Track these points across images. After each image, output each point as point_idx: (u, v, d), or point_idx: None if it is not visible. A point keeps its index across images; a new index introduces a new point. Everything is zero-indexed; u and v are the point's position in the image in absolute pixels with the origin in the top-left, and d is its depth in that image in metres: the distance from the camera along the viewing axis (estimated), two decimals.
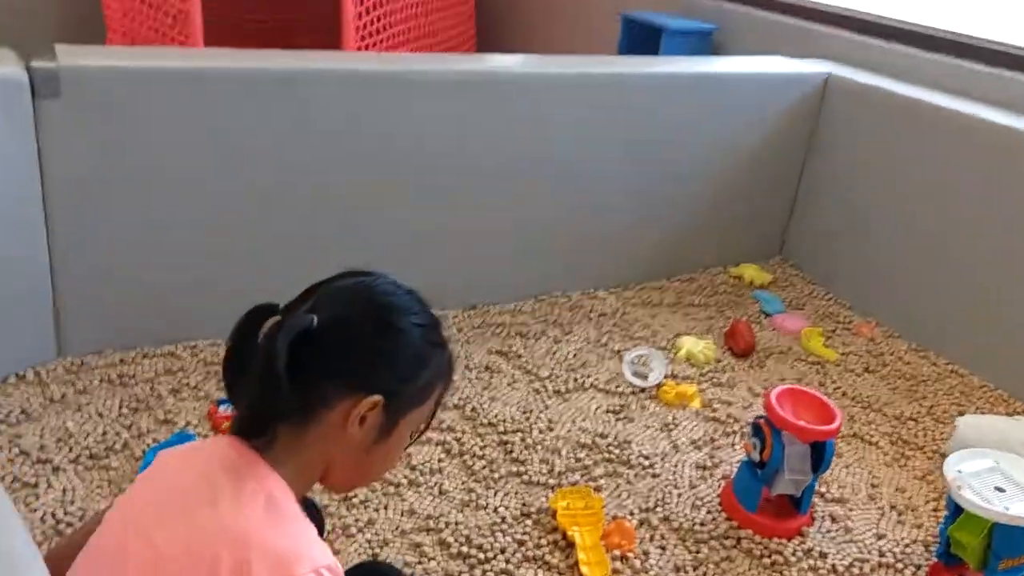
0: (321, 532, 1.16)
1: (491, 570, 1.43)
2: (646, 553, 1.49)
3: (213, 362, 1.89)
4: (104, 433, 1.64)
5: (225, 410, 1.72)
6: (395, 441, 0.91)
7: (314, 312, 0.85)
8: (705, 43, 3.03)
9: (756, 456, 1.55)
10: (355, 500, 1.55)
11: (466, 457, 1.69)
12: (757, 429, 1.56)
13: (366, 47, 2.92)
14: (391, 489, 1.59)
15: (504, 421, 1.81)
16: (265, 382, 0.82)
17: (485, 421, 1.80)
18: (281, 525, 0.80)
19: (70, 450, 1.59)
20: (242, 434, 0.86)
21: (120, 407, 1.71)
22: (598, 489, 1.63)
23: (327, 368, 0.85)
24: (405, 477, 1.61)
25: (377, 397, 0.86)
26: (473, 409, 1.83)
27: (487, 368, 1.99)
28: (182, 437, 1.64)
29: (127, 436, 1.63)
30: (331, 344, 0.85)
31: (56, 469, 1.54)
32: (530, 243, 2.26)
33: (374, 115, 1.96)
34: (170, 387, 1.79)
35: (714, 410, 1.93)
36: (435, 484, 1.61)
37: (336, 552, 1.42)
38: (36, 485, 1.50)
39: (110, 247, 1.80)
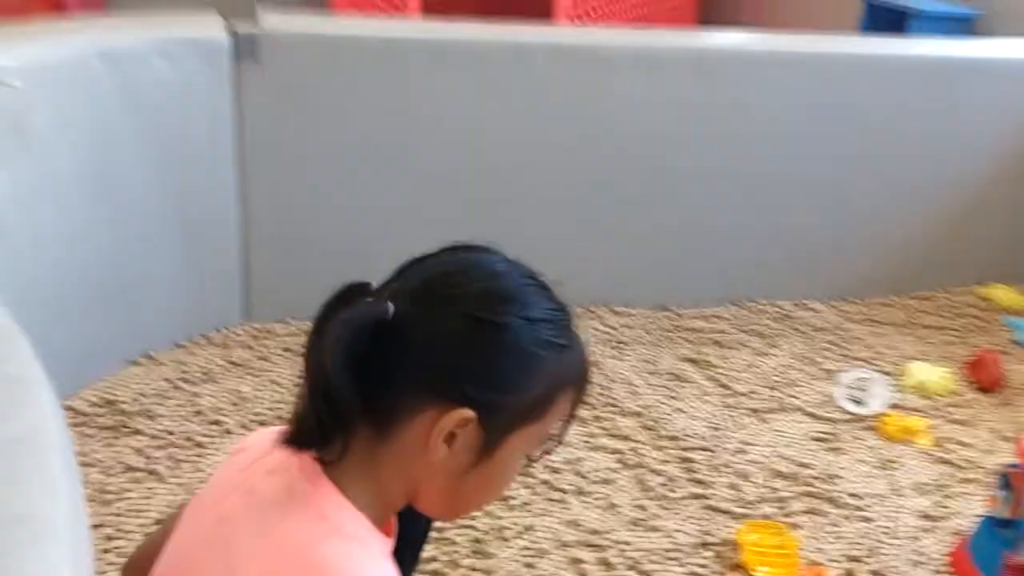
0: (418, 548, 0.99)
1: None
2: None
3: None
4: (278, 401, 1.62)
5: None
6: (499, 465, 0.70)
7: (396, 298, 0.67)
8: (962, 32, 2.63)
9: (1003, 513, 1.25)
10: (515, 503, 1.41)
11: (642, 471, 1.51)
12: (1006, 481, 1.26)
13: (579, 16, 2.84)
14: (556, 495, 1.44)
15: (689, 436, 1.60)
16: (318, 382, 0.65)
17: (667, 433, 1.61)
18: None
19: (243, 415, 1.58)
20: (297, 443, 0.69)
21: (297, 377, 1.69)
22: (795, 527, 1.39)
23: (404, 371, 0.66)
24: (572, 484, 1.46)
25: (467, 411, 0.66)
26: (655, 419, 1.65)
27: (675, 376, 1.79)
28: None
29: None
30: (410, 340, 0.67)
31: (227, 432, 1.53)
32: (733, 243, 2.03)
33: (576, 92, 1.84)
34: None
35: (947, 451, 1.61)
36: (604, 496, 1.44)
37: (488, 557, 1.30)
38: (205, 446, 1.49)
39: (303, 215, 1.79)
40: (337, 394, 0.64)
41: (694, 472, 1.51)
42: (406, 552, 1.01)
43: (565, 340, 0.71)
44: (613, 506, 1.42)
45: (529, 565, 1.30)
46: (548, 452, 0.75)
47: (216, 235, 1.74)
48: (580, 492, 1.45)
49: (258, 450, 0.75)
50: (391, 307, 0.66)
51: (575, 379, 0.72)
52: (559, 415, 0.71)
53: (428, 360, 0.66)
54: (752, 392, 1.75)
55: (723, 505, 1.43)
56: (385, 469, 0.68)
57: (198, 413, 1.57)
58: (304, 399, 0.67)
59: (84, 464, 1.40)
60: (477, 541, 1.33)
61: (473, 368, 0.66)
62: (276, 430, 0.75)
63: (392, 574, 0.67)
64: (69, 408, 1.55)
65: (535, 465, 1.49)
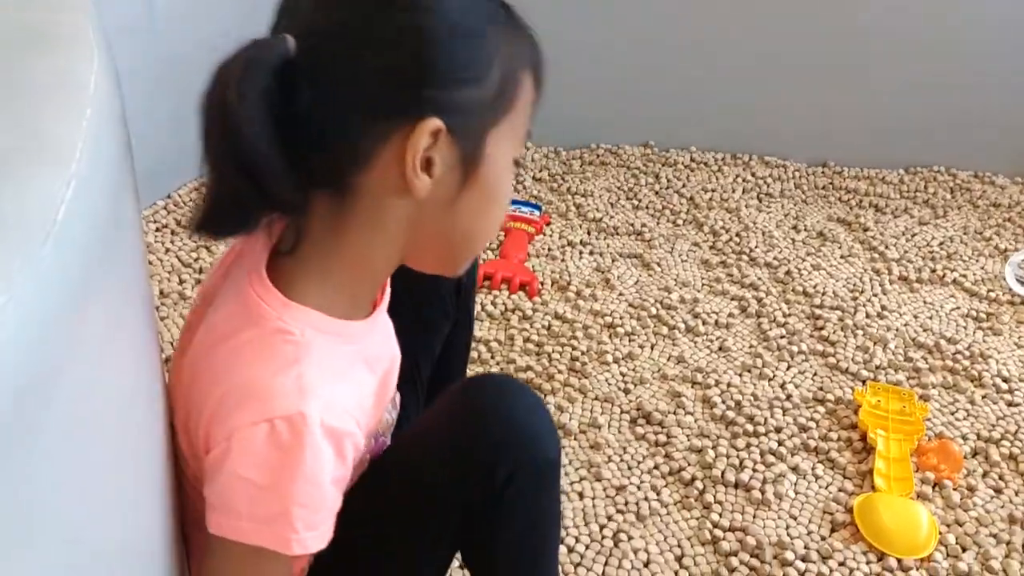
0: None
1: (757, 446, 1.16)
2: (971, 489, 1.11)
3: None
4: None
5: (514, 210, 1.60)
6: (490, 179, 0.59)
7: (292, 31, 0.55)
8: None
9: None
10: (620, 330, 1.35)
11: (763, 320, 1.40)
12: None
13: None
14: (664, 330, 1.36)
15: (823, 294, 1.47)
16: (243, 162, 0.53)
17: (799, 288, 1.48)
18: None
19: None
20: (211, 229, 0.58)
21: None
22: (925, 399, 1.26)
23: (342, 106, 0.55)
24: (683, 323, 1.38)
25: (434, 120, 0.55)
26: (788, 272, 1.52)
27: (820, 234, 1.64)
28: None
29: None
30: (327, 69, 0.55)
31: None
32: (908, 101, 1.79)
33: None
34: None
35: None
36: (717, 339, 1.35)
37: (585, 376, 1.25)
38: None
39: None
40: (276, 173, 0.53)
41: (821, 330, 1.39)
42: (459, 335, 0.96)
43: (506, 18, 0.60)
44: (724, 349, 1.33)
45: (625, 390, 1.24)
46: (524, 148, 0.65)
47: None
48: (691, 331, 1.37)
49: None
50: (290, 40, 0.54)
51: (530, 59, 0.61)
52: (526, 103, 0.60)
53: (371, 84, 0.55)
54: (906, 260, 1.57)
55: (848, 366, 1.31)
56: (356, 238, 0.59)
57: None
58: (215, 180, 0.56)
59: None
60: (575, 359, 1.29)
61: (423, 71, 0.55)
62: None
63: (310, 382, 0.56)
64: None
65: (646, 300, 1.42)
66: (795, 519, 1.07)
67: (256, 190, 0.54)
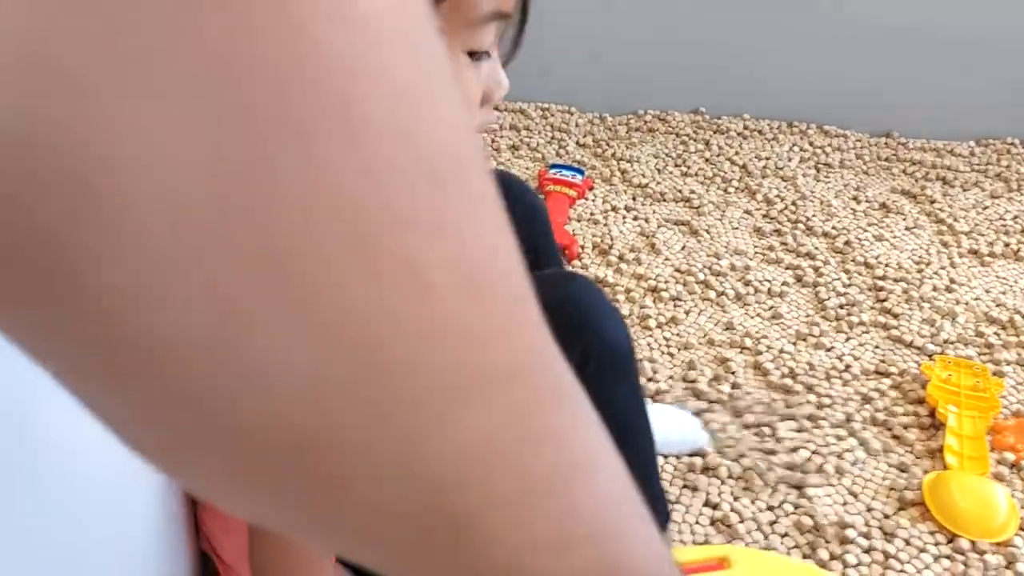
0: None
1: (815, 417, 1.06)
2: None
3: (560, 127, 1.70)
4: None
5: (555, 174, 1.52)
6: None
7: None
8: None
9: None
10: (664, 295, 1.26)
11: (821, 289, 1.30)
12: None
13: None
14: (712, 295, 1.27)
15: (886, 265, 1.36)
16: None
17: (860, 259, 1.37)
18: None
19: None
20: None
21: None
22: (999, 375, 1.15)
23: None
24: (733, 289, 1.28)
25: None
26: (847, 243, 1.41)
27: (883, 206, 1.53)
28: None
29: None
30: None
31: None
32: (981, 66, 1.67)
33: None
34: (511, 142, 1.64)
35: None
36: (770, 307, 1.26)
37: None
38: None
39: None
40: None
41: (884, 301, 1.28)
42: None
43: None
44: (778, 317, 1.24)
45: (669, 354, 1.16)
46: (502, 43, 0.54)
47: None
48: (740, 299, 1.27)
49: None
50: None
51: None
52: None
53: None
54: (976, 233, 1.46)
55: (913, 339, 1.20)
56: None
57: None
58: None
59: None
60: None
61: None
62: None
63: None
64: None
65: (694, 266, 1.33)
66: (855, 496, 0.97)
67: None
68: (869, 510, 0.95)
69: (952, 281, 1.33)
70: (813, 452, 1.01)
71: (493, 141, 1.64)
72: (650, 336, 1.19)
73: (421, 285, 0.13)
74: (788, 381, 1.10)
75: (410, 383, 0.13)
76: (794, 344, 1.18)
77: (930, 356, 1.17)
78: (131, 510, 0.50)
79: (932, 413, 1.07)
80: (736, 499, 0.95)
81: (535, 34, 0.55)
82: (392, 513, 0.14)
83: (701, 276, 1.31)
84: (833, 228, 1.45)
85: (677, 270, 1.32)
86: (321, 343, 0.12)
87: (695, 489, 0.95)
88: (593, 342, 0.65)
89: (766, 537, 0.91)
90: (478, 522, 0.15)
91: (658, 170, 1.59)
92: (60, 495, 0.36)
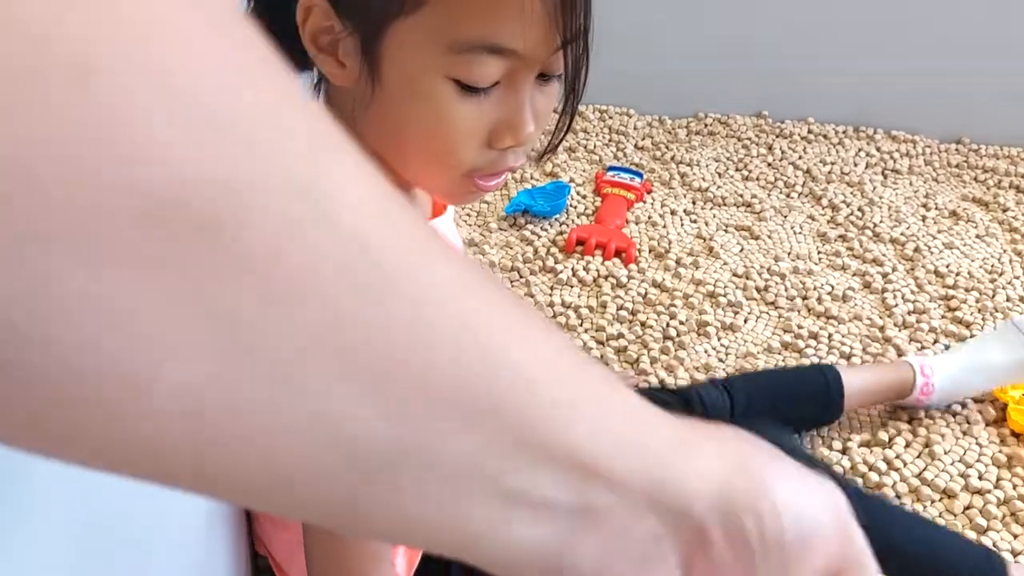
0: None
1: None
2: None
3: (619, 130, 1.68)
4: None
5: (613, 176, 1.50)
6: (399, 78, 0.48)
7: None
8: None
9: None
10: (723, 300, 1.23)
11: (888, 295, 1.26)
12: None
13: None
14: (769, 296, 1.24)
15: (956, 274, 1.31)
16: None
17: (930, 267, 1.33)
18: None
19: None
20: None
21: None
22: None
23: None
24: (796, 294, 1.25)
25: None
26: (916, 249, 1.36)
27: (952, 213, 1.47)
28: (558, 187, 1.46)
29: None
30: None
31: None
32: None
33: None
34: (567, 144, 1.63)
35: None
36: (834, 314, 1.22)
37: (683, 347, 1.14)
38: None
39: None
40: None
41: (956, 310, 1.23)
42: None
43: None
44: (841, 323, 1.20)
45: (722, 360, 1.13)
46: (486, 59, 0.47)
47: None
48: (804, 304, 1.24)
49: None
50: None
51: None
52: (456, 4, 0.45)
53: None
54: None
55: None
56: (344, 124, 0.49)
57: None
58: None
59: None
60: (670, 328, 1.17)
61: None
62: None
63: None
64: None
65: (752, 270, 1.29)
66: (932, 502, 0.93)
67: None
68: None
69: None
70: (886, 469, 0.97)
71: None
72: (708, 343, 1.16)
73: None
74: None
75: None
76: (862, 342, 1.15)
77: None
78: (181, 509, 0.50)
79: (1015, 434, 1.02)
80: None
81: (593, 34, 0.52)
82: None
83: (761, 282, 1.27)
84: (901, 235, 1.40)
85: (735, 275, 1.29)
86: None
87: None
88: None
89: None
90: None
91: (718, 174, 1.56)
92: (107, 494, 0.35)
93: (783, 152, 1.62)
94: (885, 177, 1.57)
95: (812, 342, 1.15)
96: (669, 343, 1.15)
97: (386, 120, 0.49)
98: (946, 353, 1.06)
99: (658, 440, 0.21)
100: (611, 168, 1.53)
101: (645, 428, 0.21)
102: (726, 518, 0.21)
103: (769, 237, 1.39)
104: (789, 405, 0.95)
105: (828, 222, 1.44)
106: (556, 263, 1.30)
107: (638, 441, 0.20)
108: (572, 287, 1.26)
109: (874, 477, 0.96)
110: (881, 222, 1.43)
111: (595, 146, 1.63)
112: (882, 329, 1.18)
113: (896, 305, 1.23)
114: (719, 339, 1.17)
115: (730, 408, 0.92)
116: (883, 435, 1.01)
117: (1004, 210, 1.48)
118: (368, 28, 0.47)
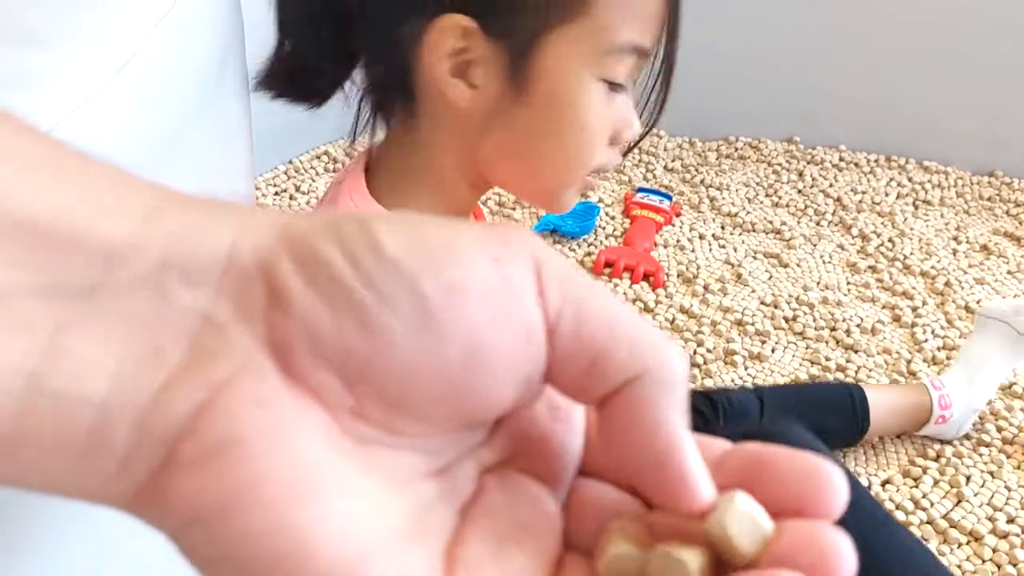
0: None
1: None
2: None
3: (648, 151, 1.68)
4: None
5: (642, 198, 1.50)
6: (554, 90, 0.48)
7: None
8: None
9: None
10: (750, 328, 1.23)
11: (918, 331, 1.25)
12: None
13: None
14: (798, 327, 1.23)
15: None
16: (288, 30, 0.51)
17: (960, 302, 1.32)
18: None
19: None
20: (271, 87, 0.54)
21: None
22: None
23: (375, 7, 0.49)
24: (824, 325, 1.24)
25: (454, 17, 0.46)
26: (947, 283, 1.35)
27: (983, 248, 1.46)
28: (587, 208, 1.46)
29: None
30: None
31: None
32: None
33: None
34: None
35: None
36: (862, 347, 1.21)
37: (710, 375, 1.14)
38: None
39: None
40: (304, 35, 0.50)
41: None
42: None
43: None
44: (870, 356, 1.19)
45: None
46: (644, 64, 0.51)
47: None
48: (832, 335, 1.23)
49: None
50: None
51: None
52: (610, 13, 0.47)
53: None
54: None
55: (1020, 391, 1.14)
56: (425, 146, 0.52)
57: None
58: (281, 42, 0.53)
59: None
60: (698, 355, 1.17)
61: None
62: None
63: None
64: (325, 154, 1.58)
65: (781, 299, 1.29)
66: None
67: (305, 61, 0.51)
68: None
69: None
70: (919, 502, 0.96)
71: None
72: (735, 371, 1.15)
73: None
74: None
75: None
76: (891, 376, 1.14)
77: None
78: None
79: None
80: None
81: None
82: None
83: (789, 311, 1.27)
84: (932, 268, 1.39)
85: (763, 303, 1.29)
86: None
87: None
88: None
89: None
90: None
91: (748, 199, 1.55)
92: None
93: (814, 179, 1.61)
94: (916, 208, 1.56)
95: (839, 375, 1.15)
96: (696, 371, 1.15)
97: (515, 134, 0.50)
98: (947, 374, 1.06)
99: (161, 198, 0.17)
100: (640, 190, 1.53)
101: (146, 190, 0.17)
102: (294, 251, 0.17)
103: (798, 265, 1.38)
104: (816, 414, 0.96)
105: (858, 252, 1.43)
106: None
107: (134, 203, 0.17)
108: None
109: (900, 516, 0.96)
110: (912, 254, 1.42)
111: (625, 167, 1.63)
112: (909, 363, 1.18)
113: (926, 340, 1.22)
114: (746, 368, 1.16)
115: (759, 410, 0.92)
116: (914, 470, 1.01)
117: None
118: (519, 45, 0.47)
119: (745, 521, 0.17)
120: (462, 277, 0.17)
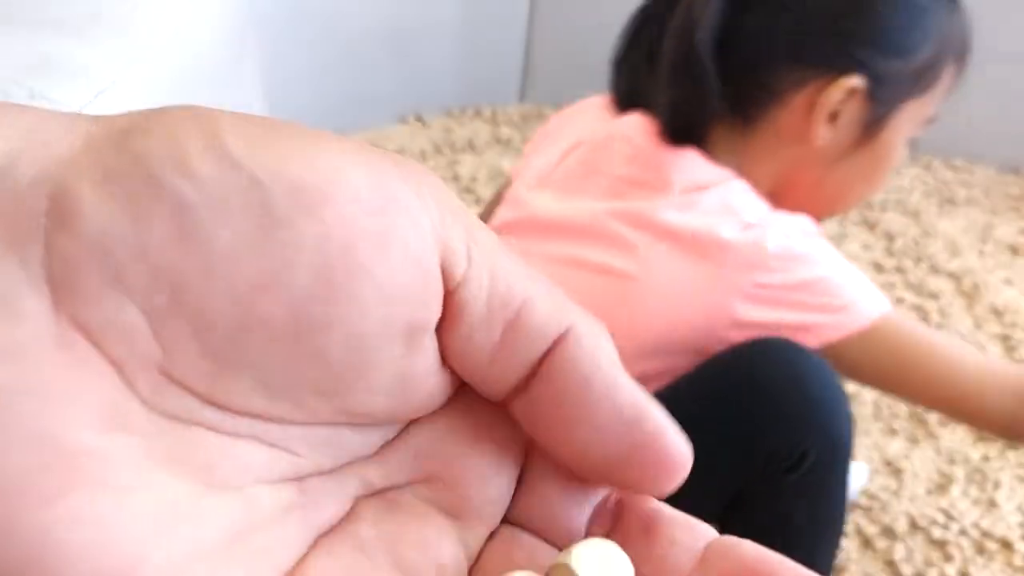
0: None
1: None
2: None
3: None
4: None
5: None
6: (883, 148, 0.62)
7: None
8: None
9: None
10: None
11: (945, 331, 1.21)
12: None
13: None
14: None
15: (1017, 312, 1.26)
16: (681, 72, 0.57)
17: (987, 303, 1.28)
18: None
19: (496, 187, 1.49)
20: (673, 134, 0.62)
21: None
22: None
23: (778, 42, 0.57)
24: None
25: (856, 80, 0.57)
26: (975, 286, 1.32)
27: (1011, 248, 1.43)
28: None
29: None
30: (786, 4, 0.58)
31: (477, 200, 1.45)
32: None
33: None
34: None
35: None
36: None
37: None
38: None
39: (591, 6, 1.63)
40: (710, 85, 0.57)
41: (1015, 352, 1.19)
42: None
43: (950, 1, 0.63)
44: None
45: None
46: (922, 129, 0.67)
47: (503, 18, 1.64)
48: None
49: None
50: None
51: (959, 47, 0.65)
52: (941, 90, 0.64)
53: (811, 24, 0.58)
54: None
55: None
56: (748, 166, 0.60)
57: (454, 178, 1.51)
58: (669, 88, 0.60)
59: None
60: None
61: (862, 27, 0.58)
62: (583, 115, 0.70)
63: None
64: None
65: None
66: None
67: (692, 107, 0.58)
68: None
69: None
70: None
71: None
72: None
73: None
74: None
75: None
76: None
77: None
78: None
79: None
80: None
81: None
82: None
83: None
84: (958, 268, 1.35)
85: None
86: None
87: None
88: (818, 436, 0.56)
89: None
90: None
91: None
92: None
93: None
94: (941, 207, 1.53)
95: None
96: None
97: (841, 172, 0.61)
98: None
99: None
100: None
101: None
102: (99, 156, 0.12)
103: None
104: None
105: (884, 251, 1.39)
106: None
107: None
108: None
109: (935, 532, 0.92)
110: (937, 254, 1.39)
111: None
112: None
113: None
114: None
115: None
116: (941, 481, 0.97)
117: None
118: (886, 108, 0.60)
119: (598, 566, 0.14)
120: (325, 181, 0.12)
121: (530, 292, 0.14)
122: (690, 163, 0.59)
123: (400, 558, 0.14)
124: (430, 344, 0.14)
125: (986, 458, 1.00)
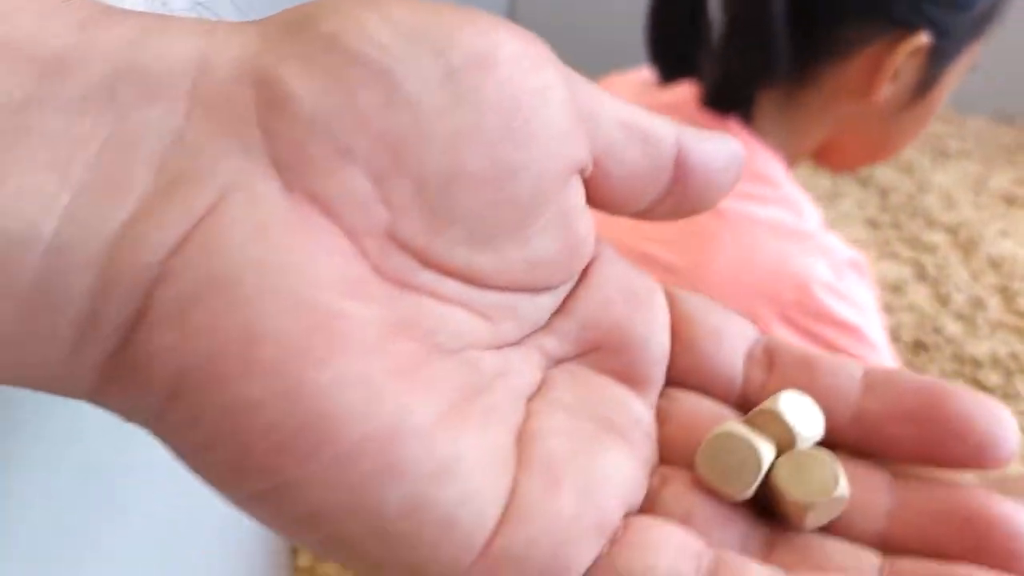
0: None
1: None
2: None
3: None
4: None
5: None
6: (935, 100, 0.62)
7: None
8: None
9: None
10: None
11: (943, 287, 1.21)
12: None
13: None
14: None
15: (1015, 263, 1.26)
16: (750, 33, 0.55)
17: (984, 255, 1.28)
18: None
19: None
20: (718, 103, 0.59)
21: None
22: None
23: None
24: None
25: (923, 37, 0.55)
26: (972, 238, 1.32)
27: (1004, 199, 1.42)
28: None
29: None
30: None
31: None
32: None
33: None
34: None
35: None
36: (886, 303, 1.18)
37: None
38: None
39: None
40: (780, 47, 0.54)
41: (1014, 302, 1.19)
42: None
43: None
44: (894, 313, 1.16)
45: None
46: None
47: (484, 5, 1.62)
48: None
49: None
50: None
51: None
52: (984, 38, 0.61)
53: None
54: None
55: None
56: (795, 125, 0.59)
57: None
58: (721, 53, 0.58)
59: None
60: None
61: None
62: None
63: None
64: None
65: None
66: None
67: (762, 59, 0.56)
68: None
69: None
70: None
71: None
72: None
73: None
74: None
75: None
76: (912, 351, 1.11)
77: None
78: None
79: None
80: None
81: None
82: None
83: None
84: (954, 221, 1.35)
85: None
86: None
87: None
88: None
89: None
90: None
91: None
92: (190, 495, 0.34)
93: None
94: (934, 160, 1.52)
95: None
96: None
97: (893, 124, 0.60)
98: None
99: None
100: None
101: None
102: (287, 45, 0.14)
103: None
104: None
105: (878, 207, 1.39)
106: None
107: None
108: None
109: None
110: (932, 207, 1.38)
111: None
112: (932, 318, 1.14)
113: (949, 294, 1.19)
114: None
115: None
116: None
117: None
118: (943, 62, 0.58)
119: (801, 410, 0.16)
120: (490, 44, 0.14)
121: (644, 112, 0.16)
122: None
123: (603, 418, 0.15)
124: (578, 184, 0.15)
125: None
